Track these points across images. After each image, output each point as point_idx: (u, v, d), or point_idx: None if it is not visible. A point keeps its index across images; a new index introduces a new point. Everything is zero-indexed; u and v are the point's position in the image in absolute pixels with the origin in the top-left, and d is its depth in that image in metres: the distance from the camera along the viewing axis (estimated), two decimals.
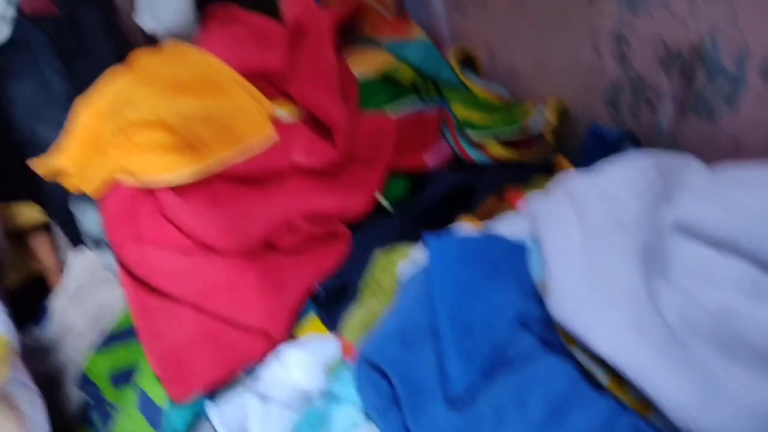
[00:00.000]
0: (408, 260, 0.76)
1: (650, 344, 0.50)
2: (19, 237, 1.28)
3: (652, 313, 0.51)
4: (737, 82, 0.77)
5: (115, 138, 0.90)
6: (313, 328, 0.78)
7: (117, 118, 0.91)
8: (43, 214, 1.22)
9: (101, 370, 0.83)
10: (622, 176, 0.63)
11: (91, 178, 0.91)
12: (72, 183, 0.93)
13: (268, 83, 1.08)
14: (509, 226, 0.72)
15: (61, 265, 1.20)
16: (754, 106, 0.77)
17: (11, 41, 1.33)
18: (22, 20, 1.35)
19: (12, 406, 0.58)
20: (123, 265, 0.85)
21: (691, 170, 0.70)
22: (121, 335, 0.86)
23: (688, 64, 0.79)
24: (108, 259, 0.94)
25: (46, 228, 1.27)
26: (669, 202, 0.63)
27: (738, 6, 0.73)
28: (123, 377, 0.81)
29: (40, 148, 1.30)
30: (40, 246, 1.21)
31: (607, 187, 0.62)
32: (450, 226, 0.87)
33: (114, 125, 0.90)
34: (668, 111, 0.82)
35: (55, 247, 1.24)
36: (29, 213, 1.18)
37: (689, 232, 0.59)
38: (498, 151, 0.94)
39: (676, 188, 0.65)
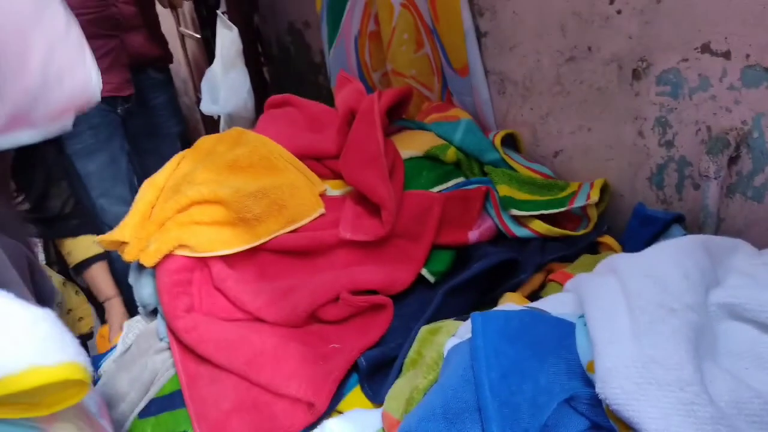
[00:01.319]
0: (453, 337, 0.76)
1: (700, 427, 0.48)
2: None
3: (703, 395, 0.50)
4: None
5: (175, 214, 0.96)
6: (356, 401, 0.78)
7: (178, 195, 0.97)
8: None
9: None
10: (671, 258, 0.63)
11: (149, 250, 0.96)
12: (131, 254, 0.98)
13: (319, 163, 1.15)
14: (555, 304, 0.72)
15: (119, 293, 1.22)
16: None
17: (88, 122, 1.44)
18: (101, 102, 1.49)
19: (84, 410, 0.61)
20: (174, 333, 0.88)
21: (740, 253, 0.69)
22: (165, 401, 0.87)
23: (733, 148, 0.80)
24: (160, 327, 0.98)
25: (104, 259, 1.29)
26: (717, 284, 0.62)
27: None
28: None
29: (106, 222, 1.38)
30: (99, 273, 1.22)
31: (655, 269, 0.62)
32: (492, 297, 0.87)
33: (175, 202, 0.96)
34: (714, 193, 0.82)
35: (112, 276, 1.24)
36: (89, 244, 1.21)
37: (738, 315, 0.58)
38: (542, 227, 0.95)
39: (725, 271, 0.65)
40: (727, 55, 0.79)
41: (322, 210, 1.03)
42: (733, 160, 0.82)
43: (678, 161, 0.90)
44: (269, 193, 0.99)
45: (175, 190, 0.99)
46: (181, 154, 1.14)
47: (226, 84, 1.60)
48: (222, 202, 0.97)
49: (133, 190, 1.12)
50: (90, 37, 1.54)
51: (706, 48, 0.81)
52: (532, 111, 1.13)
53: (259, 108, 1.79)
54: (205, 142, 1.18)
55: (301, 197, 1.01)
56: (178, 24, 2.65)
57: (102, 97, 1.52)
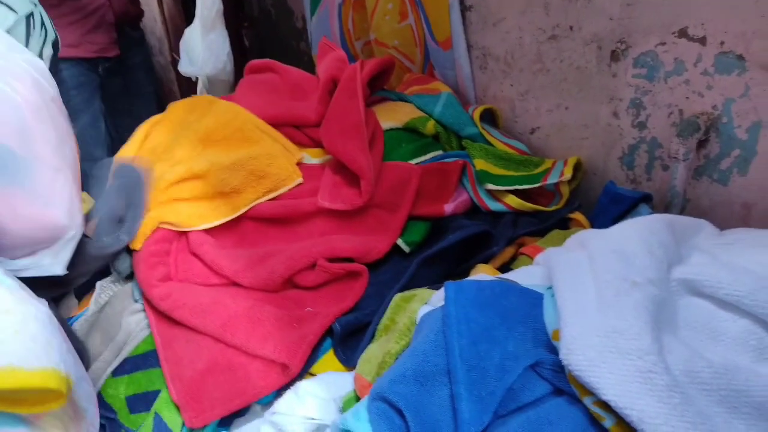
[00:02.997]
0: (426, 305, 0.78)
1: (655, 393, 0.51)
2: None
3: (660, 365, 0.53)
4: (749, 150, 0.80)
5: (154, 197, 0.96)
6: (329, 364, 0.80)
7: (156, 179, 0.97)
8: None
9: (118, 393, 0.85)
10: (637, 235, 0.66)
11: None
12: None
13: (299, 131, 1.14)
14: (525, 276, 0.75)
15: None
16: (764, 174, 0.80)
17: (73, 81, 1.41)
18: (85, 62, 1.46)
19: (72, 401, 0.61)
20: (148, 301, 0.88)
21: (703, 233, 0.72)
22: (139, 360, 0.88)
23: (703, 132, 0.83)
24: (134, 290, 0.98)
25: None
26: (680, 261, 0.65)
27: (750, 80, 0.77)
28: (139, 401, 0.83)
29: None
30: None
31: (622, 246, 0.65)
32: (465, 268, 0.89)
33: (153, 187, 0.97)
34: (682, 174, 0.85)
35: None
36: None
37: (697, 291, 0.61)
38: (515, 202, 0.97)
39: (688, 249, 0.68)
40: (702, 40, 0.81)
41: (299, 179, 1.03)
42: (701, 144, 0.85)
43: (649, 142, 0.93)
44: (246, 164, 0.99)
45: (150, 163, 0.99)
46: (149, 122, 1.13)
47: (205, 45, 1.56)
48: (199, 177, 0.98)
49: (109, 153, 1.11)
50: None
51: (683, 33, 0.83)
52: (512, 87, 1.14)
53: (237, 72, 1.77)
54: (175, 109, 1.17)
55: (279, 166, 1.01)
56: None
57: (86, 58, 1.50)
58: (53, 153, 0.71)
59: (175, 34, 2.28)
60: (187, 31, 1.62)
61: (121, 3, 1.61)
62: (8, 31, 0.94)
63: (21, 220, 0.67)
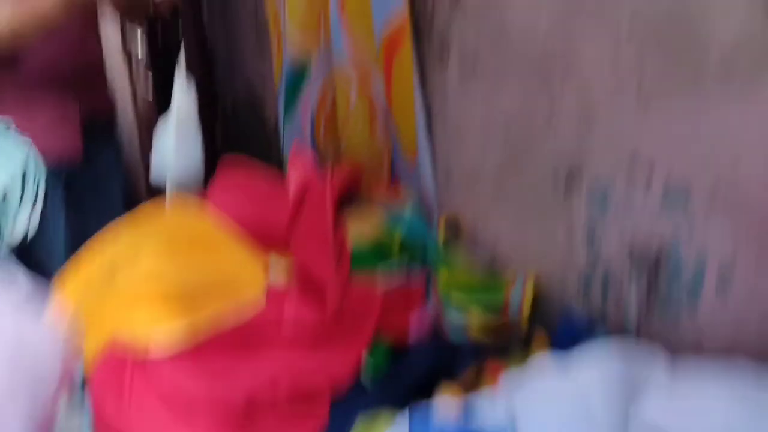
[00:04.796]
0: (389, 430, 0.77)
1: None
2: None
3: None
4: (696, 284, 0.84)
5: (112, 306, 0.95)
6: None
7: (115, 286, 0.97)
8: None
9: None
10: (595, 376, 0.68)
11: (88, 348, 0.94)
12: None
13: (269, 236, 1.16)
14: (489, 409, 0.75)
15: None
16: (713, 305, 0.83)
17: None
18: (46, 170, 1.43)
19: None
20: (100, 420, 0.85)
21: (656, 366, 0.75)
22: None
23: (653, 263, 0.87)
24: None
25: None
26: (635, 401, 0.67)
27: (694, 216, 0.82)
28: None
29: None
30: None
31: (580, 386, 0.67)
32: (429, 394, 0.89)
33: (113, 296, 0.96)
34: (634, 303, 0.88)
35: None
36: None
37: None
38: (477, 334, 0.99)
39: (643, 387, 0.70)
40: (652, 171, 0.85)
41: (261, 296, 1.03)
42: (653, 275, 0.89)
43: (602, 270, 0.96)
44: (210, 275, 0.99)
45: (111, 272, 0.99)
46: (117, 229, 1.14)
47: (177, 152, 1.59)
48: (160, 283, 0.97)
49: (68, 256, 1.10)
50: (41, 86, 1.45)
51: (634, 162, 0.87)
52: (474, 205, 1.19)
53: (208, 170, 1.78)
54: (144, 216, 1.18)
55: (242, 281, 1.02)
56: (131, 75, 2.63)
57: (47, 166, 1.46)
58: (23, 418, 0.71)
59: (147, 129, 2.31)
60: (160, 135, 1.65)
61: (95, 100, 1.59)
62: (5, 189, 0.91)
63: None
